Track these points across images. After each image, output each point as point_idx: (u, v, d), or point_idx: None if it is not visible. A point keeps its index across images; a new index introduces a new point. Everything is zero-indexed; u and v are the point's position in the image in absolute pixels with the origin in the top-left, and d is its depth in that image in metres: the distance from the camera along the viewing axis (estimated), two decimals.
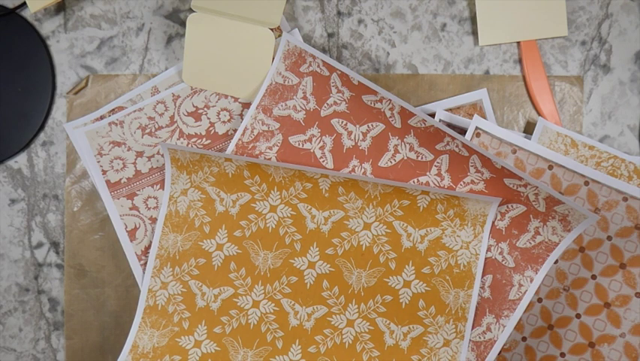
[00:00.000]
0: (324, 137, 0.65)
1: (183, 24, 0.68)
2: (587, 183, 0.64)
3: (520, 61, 0.67)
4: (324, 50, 0.68)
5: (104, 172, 0.67)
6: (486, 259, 0.63)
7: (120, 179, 0.67)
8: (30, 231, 0.68)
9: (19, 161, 0.68)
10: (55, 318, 0.69)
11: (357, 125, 0.65)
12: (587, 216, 0.59)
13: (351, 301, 0.64)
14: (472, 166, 0.62)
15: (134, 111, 0.67)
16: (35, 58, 0.68)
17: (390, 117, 0.63)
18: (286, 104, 0.65)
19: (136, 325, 0.65)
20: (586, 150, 0.64)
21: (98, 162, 0.67)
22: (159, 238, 0.66)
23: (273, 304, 0.65)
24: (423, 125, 0.62)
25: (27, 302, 0.69)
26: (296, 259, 0.65)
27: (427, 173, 0.64)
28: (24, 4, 0.67)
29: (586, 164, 0.64)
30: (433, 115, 0.66)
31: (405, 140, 0.64)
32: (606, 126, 0.67)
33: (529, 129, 0.67)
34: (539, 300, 0.65)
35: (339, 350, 0.64)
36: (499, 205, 0.62)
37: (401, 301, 0.64)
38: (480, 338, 0.63)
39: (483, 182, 0.62)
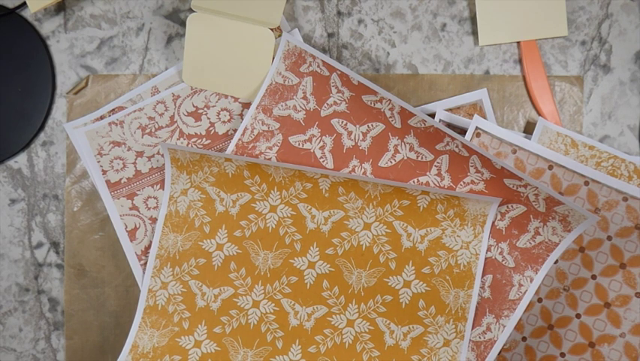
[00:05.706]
0: (324, 137, 0.65)
1: (183, 24, 0.68)
2: (587, 183, 0.63)
3: (520, 61, 0.67)
4: (324, 50, 0.68)
5: (104, 172, 0.67)
6: (486, 259, 0.63)
7: (120, 179, 0.67)
8: (30, 231, 0.68)
9: (19, 161, 0.68)
10: (55, 318, 0.69)
11: (357, 125, 0.65)
12: (587, 217, 0.59)
13: (351, 301, 0.64)
14: (472, 166, 0.62)
15: (134, 111, 0.67)
16: (35, 58, 0.68)
17: (390, 117, 0.63)
18: (286, 104, 0.65)
19: (136, 325, 0.65)
20: (586, 150, 0.64)
21: (98, 162, 0.67)
22: (159, 238, 0.66)
23: (273, 304, 0.65)
24: (423, 126, 0.62)
25: (27, 302, 0.69)
26: (296, 259, 0.65)
27: (427, 173, 0.64)
28: (24, 4, 0.67)
29: (586, 164, 0.64)
30: (433, 115, 0.66)
31: (405, 140, 0.64)
32: (606, 126, 0.67)
33: (529, 129, 0.67)
34: (539, 300, 0.65)
35: (339, 350, 0.64)
36: (499, 205, 0.62)
37: (401, 301, 0.64)
38: (480, 338, 0.63)
39: (483, 182, 0.62)
